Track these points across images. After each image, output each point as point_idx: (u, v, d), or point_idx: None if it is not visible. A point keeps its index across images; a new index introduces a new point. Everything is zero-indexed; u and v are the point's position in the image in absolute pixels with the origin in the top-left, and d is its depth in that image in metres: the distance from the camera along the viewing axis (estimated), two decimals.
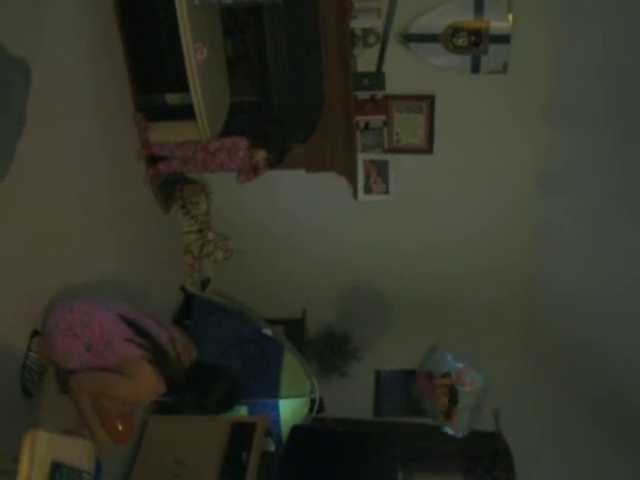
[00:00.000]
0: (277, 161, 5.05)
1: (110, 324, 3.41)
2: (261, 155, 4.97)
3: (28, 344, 3.40)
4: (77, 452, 2.67)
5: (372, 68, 5.48)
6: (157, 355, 3.39)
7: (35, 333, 3.44)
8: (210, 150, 4.93)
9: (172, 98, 5.13)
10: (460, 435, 5.55)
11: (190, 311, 5.74)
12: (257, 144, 4.98)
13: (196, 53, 4.42)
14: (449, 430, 5.58)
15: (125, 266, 4.73)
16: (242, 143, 4.97)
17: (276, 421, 5.13)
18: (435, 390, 5.61)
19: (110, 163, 4.55)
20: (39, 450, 2.39)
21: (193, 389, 3.45)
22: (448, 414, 5.56)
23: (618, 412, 5.40)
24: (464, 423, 5.54)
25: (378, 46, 5.37)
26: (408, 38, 5.29)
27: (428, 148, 5.71)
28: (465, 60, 5.34)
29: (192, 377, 3.47)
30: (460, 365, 5.61)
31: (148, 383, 3.36)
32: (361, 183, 5.79)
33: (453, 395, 5.52)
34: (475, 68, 5.37)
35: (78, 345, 3.36)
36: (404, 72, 5.47)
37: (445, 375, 5.62)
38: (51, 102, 3.68)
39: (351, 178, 5.79)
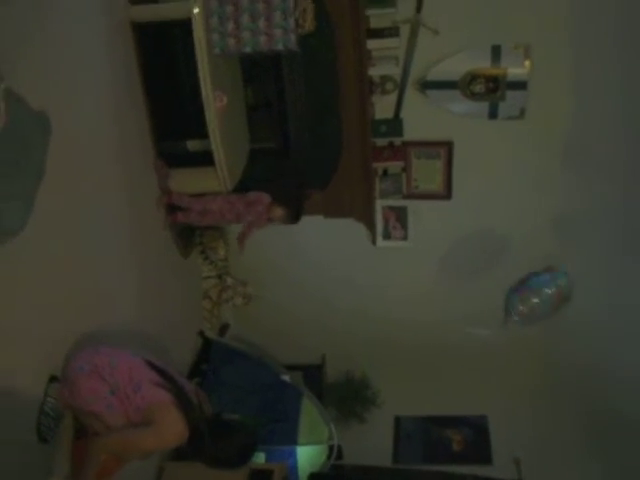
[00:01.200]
0: (294, 219, 5.05)
1: (138, 367, 3.44)
2: (278, 212, 4.98)
3: (46, 389, 3.40)
4: None
5: (390, 115, 5.53)
6: (183, 400, 3.39)
7: (53, 379, 3.45)
8: (229, 200, 4.98)
9: (192, 144, 5.19)
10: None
11: (208, 356, 5.72)
12: (278, 201, 5.00)
13: (215, 101, 4.48)
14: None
15: (144, 311, 4.74)
16: (265, 198, 5.00)
17: (294, 468, 5.09)
18: None
19: (130, 209, 4.59)
20: None
21: (211, 440, 3.43)
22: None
23: None
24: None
25: (396, 93, 5.43)
26: (426, 85, 5.34)
27: (447, 194, 5.72)
28: (483, 106, 5.39)
29: (211, 429, 3.46)
30: None
31: (174, 428, 3.34)
32: (379, 229, 5.80)
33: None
34: (493, 114, 5.41)
35: (103, 387, 3.36)
36: (422, 118, 5.51)
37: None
38: (71, 150, 3.72)
39: (369, 224, 5.81)
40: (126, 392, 3.35)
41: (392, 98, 5.45)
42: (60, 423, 3.46)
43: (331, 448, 5.20)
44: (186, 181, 5.04)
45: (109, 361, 3.41)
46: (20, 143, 2.38)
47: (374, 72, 5.26)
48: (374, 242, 5.87)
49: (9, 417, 3.10)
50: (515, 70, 5.22)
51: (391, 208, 5.79)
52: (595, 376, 5.70)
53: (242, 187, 5.13)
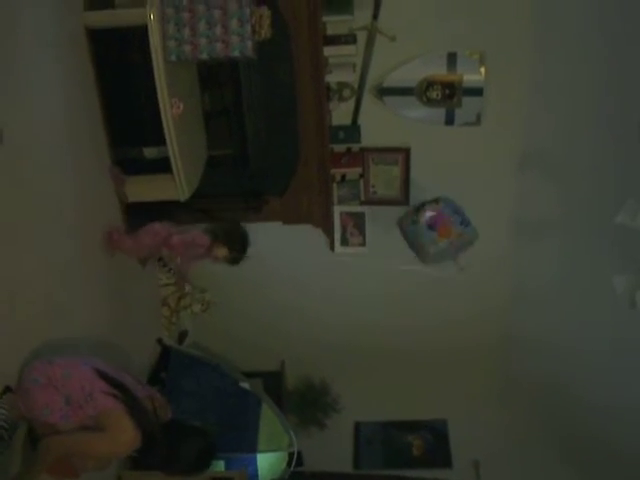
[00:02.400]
0: (238, 259, 4.90)
1: (89, 378, 3.41)
2: (222, 252, 4.82)
3: None
4: None
5: (348, 121, 5.55)
6: (134, 407, 3.37)
7: (7, 390, 3.40)
8: (172, 245, 4.89)
9: (149, 152, 5.15)
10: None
11: (167, 364, 5.68)
12: (219, 240, 4.83)
13: (172, 108, 4.46)
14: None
15: (101, 320, 4.70)
16: (202, 240, 4.84)
17: (254, 476, 5.08)
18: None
19: (86, 218, 4.54)
20: None
21: (166, 446, 3.41)
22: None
23: (600, 460, 5.38)
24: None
25: (353, 100, 5.44)
26: (383, 92, 5.36)
27: (404, 200, 5.74)
28: (439, 113, 5.42)
29: (167, 434, 3.44)
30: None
31: (125, 435, 3.32)
32: (338, 235, 5.80)
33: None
34: (449, 120, 5.45)
35: (58, 398, 3.34)
36: (379, 125, 5.52)
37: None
38: (24, 156, 3.68)
39: (327, 230, 5.81)
40: (79, 402, 3.33)
41: (350, 105, 5.46)
42: (13, 434, 3.41)
43: (291, 455, 5.19)
44: (143, 188, 5.00)
45: (62, 373, 3.38)
46: None
47: (331, 79, 5.26)
48: (332, 248, 5.87)
49: None
50: (471, 77, 5.26)
51: (349, 214, 5.80)
52: (554, 380, 5.77)
53: (200, 194, 5.11)
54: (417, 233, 5.47)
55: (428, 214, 5.39)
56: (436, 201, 5.47)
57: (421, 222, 5.42)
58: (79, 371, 3.42)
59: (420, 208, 5.47)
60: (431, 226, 5.41)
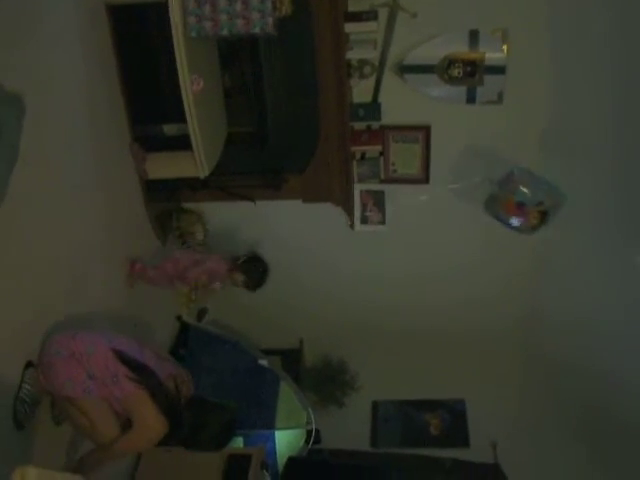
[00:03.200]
0: (256, 285, 5.01)
1: (112, 358, 3.41)
2: (239, 278, 4.95)
3: (22, 376, 3.38)
4: None
5: (368, 99, 5.51)
6: (157, 393, 3.39)
7: (29, 365, 3.43)
8: (190, 278, 4.97)
9: (169, 128, 5.15)
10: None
11: (186, 341, 5.71)
12: (236, 267, 4.96)
13: (192, 84, 4.44)
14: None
15: (121, 297, 4.72)
16: (221, 267, 4.96)
17: (272, 453, 5.11)
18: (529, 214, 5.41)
19: (107, 194, 4.56)
20: None
21: (189, 424, 3.44)
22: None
23: (620, 442, 5.36)
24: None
25: (374, 77, 5.40)
26: (404, 69, 5.32)
27: (424, 178, 5.72)
28: (461, 91, 5.37)
29: (189, 411, 3.47)
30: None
31: (153, 425, 3.37)
32: (357, 213, 5.79)
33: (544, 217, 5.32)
34: (471, 99, 5.40)
35: (80, 372, 3.35)
36: (400, 103, 5.49)
37: (539, 203, 5.41)
38: (46, 133, 3.69)
39: (348, 208, 5.80)
40: (104, 380, 3.34)
41: (370, 82, 5.42)
42: (36, 409, 3.45)
43: (309, 432, 5.21)
44: (163, 165, 5.00)
45: (86, 348, 3.39)
46: None
47: (352, 56, 5.22)
48: (352, 226, 5.86)
49: None
50: (493, 54, 5.19)
51: (369, 192, 5.78)
52: (575, 361, 5.74)
53: (219, 172, 5.10)
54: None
55: (514, 222, 5.34)
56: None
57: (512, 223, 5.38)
58: (102, 349, 3.42)
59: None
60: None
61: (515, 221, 5.31)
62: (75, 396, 3.34)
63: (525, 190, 5.25)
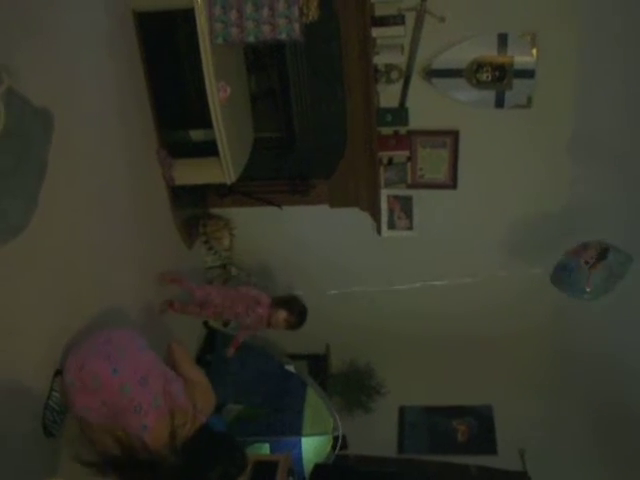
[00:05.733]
0: (298, 323, 4.84)
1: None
2: (282, 315, 4.75)
3: (51, 384, 3.38)
4: None
5: (395, 104, 5.48)
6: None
7: (57, 372, 3.43)
8: (230, 297, 4.86)
9: (196, 134, 5.16)
10: (589, 293, 5.08)
11: (213, 346, 5.71)
12: (279, 303, 4.80)
13: (219, 91, 4.44)
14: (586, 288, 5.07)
15: (148, 302, 4.73)
16: (264, 299, 4.79)
17: (298, 459, 5.08)
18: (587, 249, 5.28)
19: (134, 201, 4.57)
20: None
21: (190, 462, 3.16)
22: (592, 265, 5.27)
23: None
24: (600, 280, 5.26)
25: (401, 82, 5.37)
26: (431, 73, 5.29)
27: (452, 183, 5.69)
28: (489, 95, 5.33)
29: (191, 449, 3.20)
30: None
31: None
32: (385, 219, 5.76)
33: (604, 252, 5.22)
34: (499, 103, 5.36)
35: (95, 400, 3.29)
36: (427, 107, 5.46)
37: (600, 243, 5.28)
38: (74, 144, 3.69)
39: (375, 214, 5.78)
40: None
41: (397, 87, 5.39)
42: (65, 417, 3.45)
43: (336, 438, 5.19)
44: (190, 172, 5.00)
45: (92, 382, 3.28)
46: (22, 141, 2.36)
47: (379, 61, 5.20)
48: (379, 232, 5.84)
49: (15, 413, 3.09)
50: (522, 58, 5.15)
51: (396, 197, 5.75)
52: (604, 367, 5.68)
53: (246, 177, 5.10)
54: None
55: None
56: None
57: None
58: (108, 381, 3.28)
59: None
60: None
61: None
62: (92, 422, 3.32)
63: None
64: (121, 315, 4.22)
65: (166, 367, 3.54)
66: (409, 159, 5.67)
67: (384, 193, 5.72)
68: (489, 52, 5.19)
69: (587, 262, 4.94)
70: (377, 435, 5.84)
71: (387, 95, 5.45)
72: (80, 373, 3.34)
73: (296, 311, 4.80)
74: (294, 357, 5.83)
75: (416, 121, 5.49)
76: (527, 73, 5.19)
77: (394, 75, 5.33)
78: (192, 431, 3.24)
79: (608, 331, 5.64)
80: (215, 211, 5.91)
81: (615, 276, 4.95)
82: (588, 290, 4.92)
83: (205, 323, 5.82)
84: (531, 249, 5.82)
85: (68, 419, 3.48)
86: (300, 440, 5.16)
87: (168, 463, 3.05)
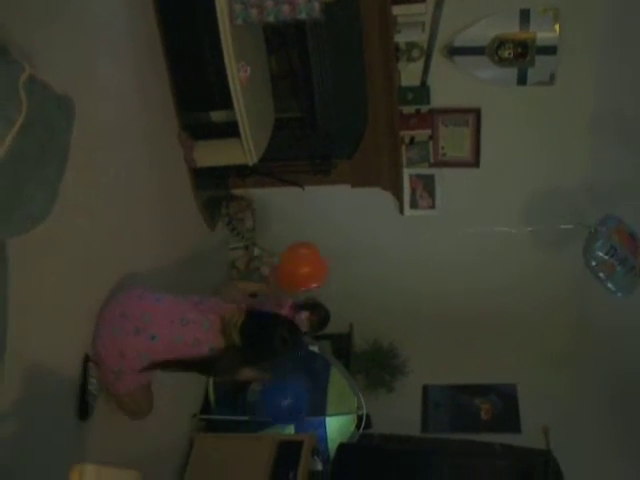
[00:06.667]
0: (320, 324, 5.10)
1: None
2: (304, 315, 4.98)
3: (86, 371, 3.40)
4: None
5: (416, 82, 5.45)
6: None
7: (87, 358, 3.46)
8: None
9: (217, 116, 5.15)
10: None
11: None
12: (301, 306, 5.03)
13: (239, 72, 4.42)
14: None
15: (172, 284, 4.74)
16: (285, 302, 5.01)
17: (323, 439, 5.09)
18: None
19: (156, 183, 4.58)
20: None
21: (254, 342, 3.59)
22: None
23: None
24: None
25: (422, 60, 5.33)
26: (453, 51, 5.25)
27: (475, 162, 5.65)
28: (511, 72, 5.29)
29: (249, 334, 3.57)
30: None
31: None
32: (407, 198, 5.76)
33: None
34: (522, 80, 5.31)
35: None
36: (449, 85, 5.44)
37: None
38: (96, 130, 3.70)
39: (397, 193, 5.77)
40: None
41: (418, 65, 5.35)
42: (99, 398, 3.50)
43: (360, 417, 5.20)
44: (211, 153, 5.00)
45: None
46: (44, 130, 2.35)
47: (400, 39, 5.17)
48: (402, 211, 5.83)
49: (44, 396, 3.10)
50: (544, 34, 5.10)
51: (418, 176, 5.74)
52: (630, 344, 5.65)
53: (268, 158, 5.09)
54: None
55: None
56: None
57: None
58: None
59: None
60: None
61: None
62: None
63: None
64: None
65: (185, 297, 3.78)
66: (431, 138, 5.65)
67: (406, 172, 5.71)
68: (511, 29, 5.15)
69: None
70: (401, 414, 5.86)
71: (408, 73, 5.42)
72: (123, 360, 3.43)
73: (318, 313, 5.06)
74: (318, 337, 5.82)
75: (438, 99, 5.48)
76: (549, 49, 5.13)
77: (415, 53, 5.29)
78: (242, 318, 3.58)
79: (630, 306, 5.59)
80: (237, 192, 5.91)
81: None
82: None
83: None
84: (553, 226, 5.78)
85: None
86: (324, 419, 5.17)
87: (234, 347, 3.53)
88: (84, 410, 3.35)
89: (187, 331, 3.50)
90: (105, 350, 3.45)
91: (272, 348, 3.62)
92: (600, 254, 4.86)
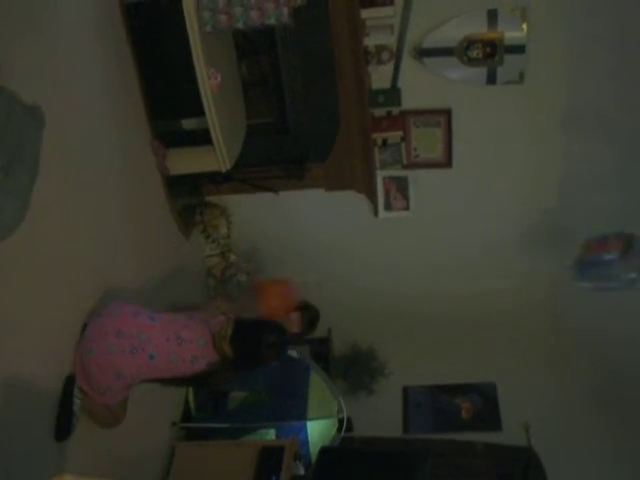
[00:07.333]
0: (310, 324, 5.08)
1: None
2: (295, 316, 4.97)
3: (70, 390, 3.40)
4: None
5: (387, 84, 5.45)
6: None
7: (70, 377, 3.43)
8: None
9: (188, 123, 5.15)
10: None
11: None
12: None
13: (210, 79, 4.42)
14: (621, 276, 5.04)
15: (149, 294, 4.72)
16: None
17: (304, 443, 5.09)
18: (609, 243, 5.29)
19: (130, 192, 4.56)
20: None
21: (246, 352, 3.66)
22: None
23: None
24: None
25: (392, 62, 5.34)
26: (422, 53, 5.27)
27: (447, 162, 5.67)
28: (481, 72, 5.31)
29: (239, 344, 3.63)
30: None
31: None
32: (381, 200, 5.77)
33: (628, 242, 5.24)
34: (491, 79, 5.34)
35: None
36: (420, 87, 5.45)
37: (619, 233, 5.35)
38: (66, 139, 3.68)
39: (371, 195, 5.77)
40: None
41: (388, 68, 5.36)
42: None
43: (341, 421, 5.20)
44: (184, 161, 4.99)
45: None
46: (14, 140, 2.35)
47: (369, 42, 5.17)
48: (376, 214, 5.84)
49: (21, 413, 3.09)
50: (512, 34, 5.13)
51: (392, 178, 5.75)
52: (606, 341, 5.70)
53: (241, 164, 5.09)
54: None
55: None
56: None
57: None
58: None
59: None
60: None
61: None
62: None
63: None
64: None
65: (176, 313, 3.87)
66: (403, 139, 5.66)
67: (379, 174, 5.72)
68: (479, 29, 5.17)
69: (621, 256, 4.98)
70: (382, 416, 5.87)
71: (379, 76, 5.42)
72: (118, 380, 3.42)
73: (308, 313, 5.05)
74: (298, 341, 5.82)
75: (409, 101, 5.49)
76: (518, 48, 5.16)
77: (385, 56, 5.30)
78: (231, 328, 3.63)
79: (605, 301, 5.64)
80: (211, 199, 5.89)
81: None
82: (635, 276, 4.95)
83: None
84: (528, 225, 5.82)
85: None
86: (305, 424, 5.16)
87: (227, 358, 3.60)
88: (65, 429, 3.34)
89: (183, 350, 3.54)
90: (98, 369, 3.44)
91: (263, 355, 3.70)
92: (587, 285, 5.03)
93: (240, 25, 4.41)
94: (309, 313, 5.06)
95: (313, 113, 5.40)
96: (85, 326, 3.57)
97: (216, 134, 4.59)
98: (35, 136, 2.52)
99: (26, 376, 3.14)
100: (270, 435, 5.07)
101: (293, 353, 5.54)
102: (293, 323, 4.91)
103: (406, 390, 6.17)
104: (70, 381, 3.43)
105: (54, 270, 3.45)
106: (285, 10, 4.38)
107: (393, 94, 5.46)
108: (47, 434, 3.29)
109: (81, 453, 3.50)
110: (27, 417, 3.15)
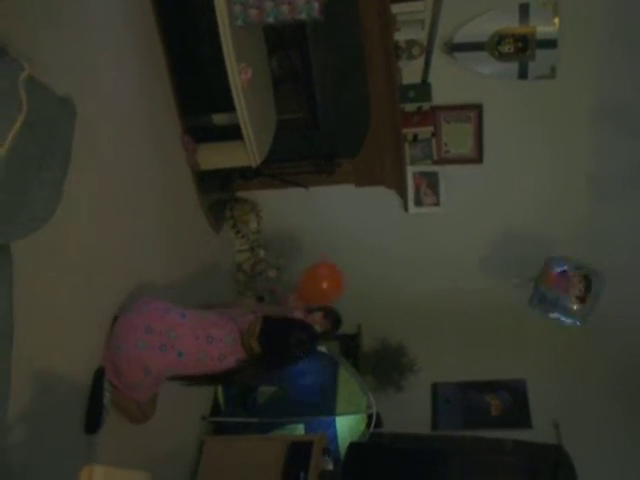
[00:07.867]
0: (333, 326, 5.14)
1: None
2: (317, 317, 5.03)
3: (101, 384, 3.40)
4: None
5: (418, 80, 5.44)
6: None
7: (100, 370, 3.45)
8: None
9: (219, 118, 5.15)
10: (582, 322, 5.37)
11: None
12: (314, 309, 5.08)
13: (240, 74, 4.43)
14: (575, 319, 5.38)
15: (179, 289, 4.74)
16: (299, 306, 5.08)
17: (333, 439, 5.09)
18: (570, 280, 5.38)
19: (160, 187, 4.57)
20: None
21: (274, 349, 3.67)
22: (582, 299, 5.34)
23: None
24: (589, 310, 5.37)
25: (423, 57, 5.32)
26: (453, 48, 5.25)
27: (478, 157, 5.65)
28: (512, 67, 5.30)
29: (268, 341, 3.63)
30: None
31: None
32: (411, 196, 5.76)
33: (588, 282, 5.30)
34: (523, 74, 5.32)
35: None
36: (450, 82, 5.44)
37: (578, 268, 5.40)
38: (97, 132, 3.69)
39: (401, 191, 5.76)
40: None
41: (419, 63, 5.34)
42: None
43: (370, 417, 5.19)
44: (214, 156, 5.00)
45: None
46: (46, 131, 2.35)
47: (400, 37, 5.17)
48: (406, 209, 5.83)
49: (52, 407, 3.10)
50: (544, 28, 5.11)
51: (422, 174, 5.74)
52: (633, 333, 5.64)
53: (271, 159, 5.09)
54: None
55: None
56: None
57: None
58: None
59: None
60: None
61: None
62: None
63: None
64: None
65: (206, 311, 3.95)
66: (434, 135, 5.65)
67: (410, 170, 5.71)
68: (511, 23, 5.16)
69: (578, 297, 5.05)
70: (411, 412, 5.83)
71: (409, 71, 5.42)
72: (147, 376, 3.44)
73: (331, 315, 5.10)
74: (327, 338, 5.82)
75: (439, 96, 5.48)
76: (550, 43, 5.14)
77: (415, 51, 5.30)
78: (259, 326, 3.63)
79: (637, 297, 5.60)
80: (241, 194, 5.91)
81: (597, 297, 5.24)
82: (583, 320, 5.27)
83: None
84: (561, 222, 5.77)
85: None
86: (334, 419, 5.16)
87: (255, 355, 3.61)
88: (95, 423, 3.34)
89: (212, 348, 3.57)
90: (129, 365, 3.45)
91: (292, 352, 3.70)
92: (539, 313, 5.36)
93: (271, 20, 4.41)
94: (331, 314, 5.12)
95: (343, 108, 5.40)
96: (115, 319, 3.59)
97: (246, 129, 4.60)
98: (67, 127, 2.53)
99: (57, 368, 3.15)
100: (299, 430, 5.07)
101: (322, 348, 5.54)
102: (315, 324, 4.93)
103: (435, 386, 6.13)
104: (100, 374, 3.43)
105: (85, 263, 3.45)
106: (316, 5, 4.38)
107: (424, 89, 5.44)
108: (77, 427, 3.29)
109: (111, 446, 3.51)
110: (58, 409, 3.16)
